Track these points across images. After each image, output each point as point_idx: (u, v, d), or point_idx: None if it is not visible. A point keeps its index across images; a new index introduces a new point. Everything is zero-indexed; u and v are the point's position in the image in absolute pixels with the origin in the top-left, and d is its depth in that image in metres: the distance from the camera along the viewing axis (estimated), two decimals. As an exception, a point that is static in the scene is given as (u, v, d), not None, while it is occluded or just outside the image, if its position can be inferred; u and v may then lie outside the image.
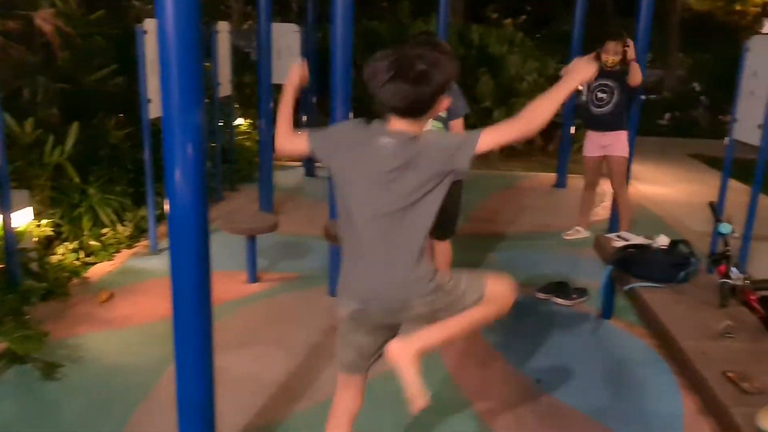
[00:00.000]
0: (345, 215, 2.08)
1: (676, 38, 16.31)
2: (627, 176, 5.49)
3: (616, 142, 5.28)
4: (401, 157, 1.94)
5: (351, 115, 4.12)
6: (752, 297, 3.18)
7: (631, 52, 5.03)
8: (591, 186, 5.71)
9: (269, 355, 3.54)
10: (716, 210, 3.61)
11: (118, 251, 4.97)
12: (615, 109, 5.21)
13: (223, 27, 6.43)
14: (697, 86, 14.30)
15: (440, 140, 2.14)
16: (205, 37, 7.27)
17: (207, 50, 6.44)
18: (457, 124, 3.80)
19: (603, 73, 5.17)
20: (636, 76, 5.04)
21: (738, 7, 20.01)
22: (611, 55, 5.04)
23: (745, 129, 4.40)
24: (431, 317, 2.11)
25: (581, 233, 5.70)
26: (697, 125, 13.04)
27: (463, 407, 3.11)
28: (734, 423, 2.19)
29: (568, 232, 5.73)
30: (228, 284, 4.42)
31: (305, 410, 3.04)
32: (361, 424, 2.89)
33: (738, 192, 5.33)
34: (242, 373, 3.33)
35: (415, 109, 1.96)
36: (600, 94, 5.25)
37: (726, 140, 4.71)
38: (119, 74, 5.33)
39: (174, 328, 2.29)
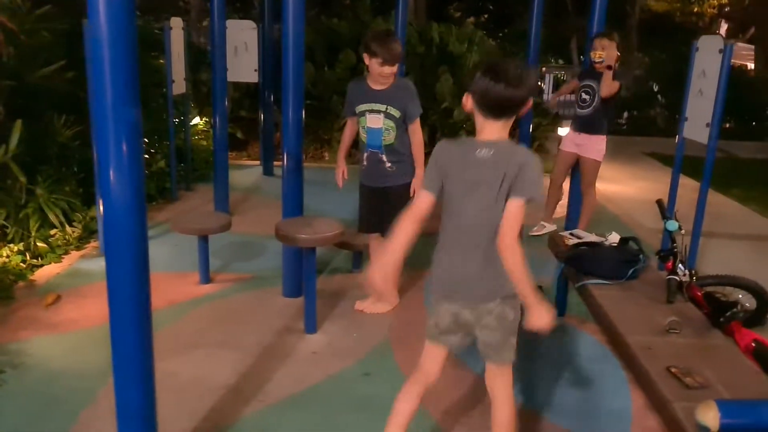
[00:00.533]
0: None
1: (635, 38, 16.59)
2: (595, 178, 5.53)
3: (588, 144, 5.32)
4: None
5: (303, 113, 4.08)
6: (698, 293, 3.24)
7: (608, 56, 5.03)
8: (556, 181, 5.74)
9: (219, 357, 3.48)
10: (663, 207, 3.65)
11: (66, 253, 4.84)
12: (593, 112, 5.25)
13: (176, 23, 6.31)
14: (655, 86, 14.55)
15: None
16: (159, 33, 7.15)
17: (161, 46, 6.32)
18: (417, 125, 3.81)
19: (589, 73, 5.26)
20: (604, 85, 5.02)
21: (695, 9, 20.43)
22: (597, 50, 5.07)
23: (694, 127, 4.48)
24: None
25: (547, 227, 5.75)
26: (654, 124, 13.28)
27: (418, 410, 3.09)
28: (676, 418, 2.21)
29: (534, 229, 5.75)
30: (179, 286, 4.34)
31: (255, 413, 2.99)
32: (318, 426, 2.87)
33: (691, 189, 5.42)
34: (191, 377, 3.26)
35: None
36: (584, 95, 5.31)
37: (677, 138, 4.79)
38: (68, 71, 5.19)
39: (111, 334, 2.22)
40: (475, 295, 2.30)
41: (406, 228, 2.26)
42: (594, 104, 5.21)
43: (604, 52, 5.02)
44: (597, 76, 5.13)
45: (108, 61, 2.00)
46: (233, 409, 3.01)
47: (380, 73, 3.68)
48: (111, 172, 2.07)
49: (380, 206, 3.84)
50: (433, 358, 2.48)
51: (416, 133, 3.83)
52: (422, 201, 2.28)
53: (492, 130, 2.21)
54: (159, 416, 2.46)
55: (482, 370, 2.56)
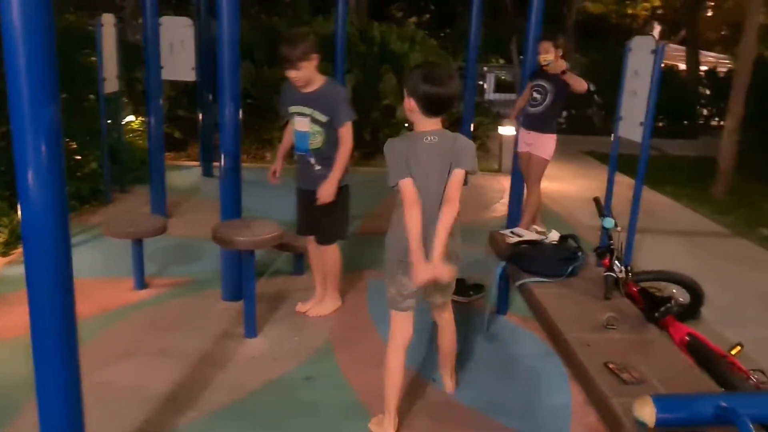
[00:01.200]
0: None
1: (572, 39, 16.96)
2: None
3: (538, 143, 5.34)
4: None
5: (240, 112, 3.99)
6: (634, 289, 3.30)
7: (557, 61, 5.11)
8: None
9: (155, 365, 3.35)
10: (600, 205, 3.71)
11: (-9, 259, 4.61)
12: (545, 111, 5.28)
13: (108, 20, 6.09)
14: (591, 86, 14.89)
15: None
16: (92, 30, 6.89)
17: (92, 43, 6.09)
18: (346, 130, 3.68)
19: (540, 73, 5.28)
20: (576, 85, 5.07)
21: (629, 11, 21.08)
22: (542, 53, 5.11)
23: (629, 126, 4.58)
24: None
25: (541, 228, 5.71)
26: (591, 123, 13.60)
27: (360, 410, 3.05)
28: (614, 413, 2.23)
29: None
30: (113, 292, 4.18)
31: (192, 422, 2.89)
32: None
33: (626, 186, 5.55)
34: (124, 387, 3.14)
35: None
36: (535, 94, 5.34)
37: (612, 137, 4.89)
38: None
39: (33, 344, 2.09)
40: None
41: (414, 216, 2.66)
42: (545, 103, 5.26)
43: (549, 55, 5.08)
44: (548, 77, 5.19)
45: (23, 58, 1.88)
46: (169, 419, 2.90)
47: (288, 76, 3.59)
48: (29, 175, 1.96)
49: (312, 209, 3.77)
50: (402, 323, 2.95)
51: (344, 138, 3.66)
52: (408, 186, 2.68)
53: (432, 124, 2.74)
54: (90, 429, 2.35)
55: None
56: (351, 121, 3.69)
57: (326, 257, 3.93)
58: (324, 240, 3.86)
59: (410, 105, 2.70)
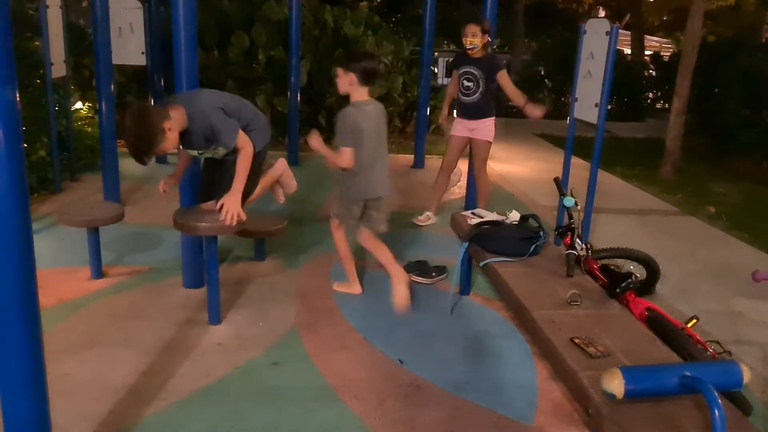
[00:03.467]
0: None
1: (521, 24, 17.16)
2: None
3: (482, 127, 5.32)
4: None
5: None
6: (594, 266, 3.38)
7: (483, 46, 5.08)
8: (448, 168, 5.68)
9: (117, 356, 3.28)
10: (560, 185, 3.78)
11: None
12: (481, 98, 5.24)
13: (53, 1, 5.86)
14: (542, 70, 15.12)
15: None
16: (36, 13, 6.64)
17: (36, 27, 5.86)
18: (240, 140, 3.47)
19: (467, 59, 5.19)
20: (514, 97, 5.15)
21: (576, -4, 21.41)
22: (468, 37, 5.03)
23: (584, 108, 4.66)
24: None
25: (432, 219, 5.73)
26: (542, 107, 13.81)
27: (326, 392, 3.05)
28: (582, 386, 2.29)
29: (420, 218, 5.71)
30: (69, 282, 4.06)
31: (157, 413, 2.84)
32: (227, 421, 2.77)
33: (580, 168, 5.68)
34: (86, 379, 3.05)
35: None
36: (466, 83, 5.25)
37: (568, 120, 4.98)
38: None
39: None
40: (385, 192, 3.91)
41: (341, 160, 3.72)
42: (480, 90, 5.21)
43: (476, 39, 5.02)
44: (475, 62, 5.15)
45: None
46: (134, 410, 2.84)
47: None
48: (-13, 160, 1.88)
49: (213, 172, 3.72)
50: (341, 237, 4.01)
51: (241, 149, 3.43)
52: (348, 153, 3.67)
53: (366, 93, 3.72)
54: (54, 422, 2.29)
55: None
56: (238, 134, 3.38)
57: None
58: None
59: (351, 79, 3.64)
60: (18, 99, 1.93)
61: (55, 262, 4.32)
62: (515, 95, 5.14)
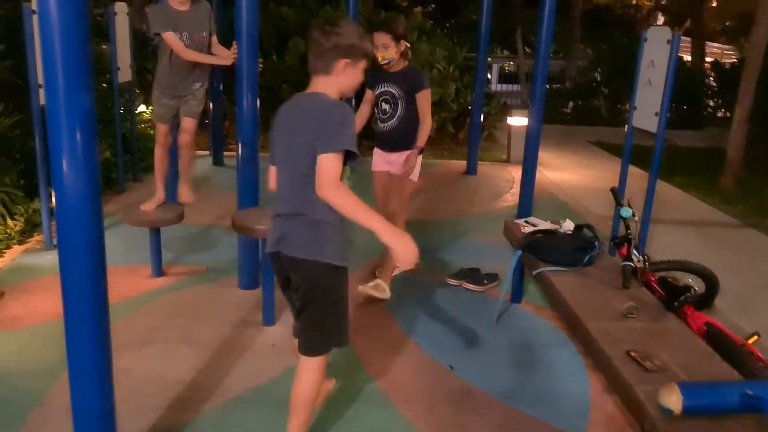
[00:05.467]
0: None
1: (578, 30, 16.90)
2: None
3: (402, 162, 4.08)
4: None
5: (258, 102, 4.00)
6: (652, 278, 3.33)
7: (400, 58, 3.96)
8: (384, 209, 4.17)
9: (175, 352, 3.39)
10: (617, 195, 3.73)
11: (8, 247, 4.63)
12: (400, 124, 4.04)
13: (121, 8, 6.09)
14: (598, 76, 14.86)
15: None
16: (104, 19, 6.89)
17: (106, 34, 6.09)
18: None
19: (383, 75, 4.04)
20: (421, 136, 4.02)
21: (633, 1, 21.01)
22: (379, 50, 3.84)
23: (643, 117, 4.58)
24: None
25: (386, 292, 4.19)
26: (597, 113, 13.58)
27: (378, 396, 3.09)
28: (638, 400, 2.26)
29: (369, 286, 4.16)
30: (131, 280, 4.21)
31: (213, 408, 2.93)
32: (279, 420, 2.83)
33: (636, 177, 5.57)
34: (146, 374, 3.17)
35: None
36: (383, 105, 4.08)
37: (626, 128, 4.90)
38: (7, 57, 4.94)
39: (66, 331, 2.13)
40: None
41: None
42: (399, 114, 4.02)
43: (389, 52, 3.88)
44: (393, 79, 4.01)
45: (59, 45, 1.91)
46: (192, 405, 2.94)
47: None
48: (64, 162, 1.98)
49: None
50: None
51: None
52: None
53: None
54: (116, 414, 2.38)
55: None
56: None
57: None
58: None
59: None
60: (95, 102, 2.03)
61: (119, 259, 4.48)
62: (423, 130, 4.01)
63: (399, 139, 4.08)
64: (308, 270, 2.34)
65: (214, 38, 4.49)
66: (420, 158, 4.07)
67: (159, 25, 4.02)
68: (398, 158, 4.10)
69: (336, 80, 2.33)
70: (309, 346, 2.49)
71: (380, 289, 4.09)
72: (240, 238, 3.97)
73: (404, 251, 2.17)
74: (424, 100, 3.98)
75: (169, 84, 4.36)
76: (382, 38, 3.86)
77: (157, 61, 4.49)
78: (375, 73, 4.05)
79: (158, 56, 4.34)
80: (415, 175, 4.11)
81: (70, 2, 1.89)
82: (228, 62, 4.17)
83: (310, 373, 2.50)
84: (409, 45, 4.01)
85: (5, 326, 3.57)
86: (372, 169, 4.31)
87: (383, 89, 4.05)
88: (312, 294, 2.39)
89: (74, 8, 1.91)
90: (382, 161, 4.26)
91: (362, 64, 2.38)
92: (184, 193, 4.67)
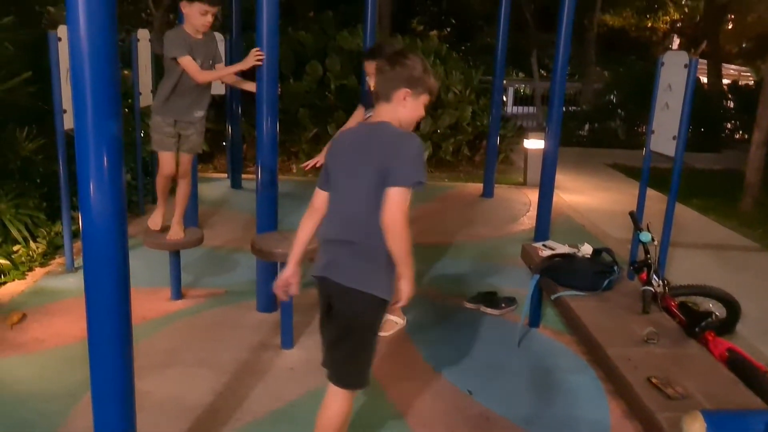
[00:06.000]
0: None
1: (593, 53, 16.96)
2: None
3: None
4: None
5: (277, 126, 4.05)
6: (672, 303, 3.30)
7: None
8: None
9: (194, 375, 3.40)
10: (636, 219, 3.72)
11: (30, 270, 4.69)
12: None
13: (143, 35, 6.21)
14: (613, 98, 14.87)
15: None
16: (126, 45, 7.03)
17: (127, 59, 6.21)
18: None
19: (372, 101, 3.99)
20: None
21: (649, 24, 21.04)
22: (371, 79, 3.75)
23: (661, 140, 4.57)
24: None
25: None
26: (614, 136, 13.57)
27: (396, 421, 3.08)
28: (660, 428, 2.24)
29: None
30: (150, 302, 4.24)
31: (235, 431, 2.93)
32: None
33: (654, 199, 5.55)
34: (165, 397, 3.18)
35: None
36: None
37: (644, 151, 4.89)
38: (32, 83, 5.05)
39: (90, 353, 2.16)
40: None
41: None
42: None
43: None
44: None
45: (89, 73, 1.95)
46: (211, 428, 2.95)
47: None
48: (91, 186, 2.02)
49: None
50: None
51: None
52: None
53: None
54: (137, 438, 2.40)
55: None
56: None
57: None
58: None
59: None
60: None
61: (139, 281, 4.48)
62: None
63: None
64: (354, 300, 2.30)
65: (221, 65, 4.44)
66: None
67: (177, 49, 4.01)
68: None
69: (395, 109, 2.33)
70: (342, 378, 2.43)
71: (390, 325, 4.05)
72: (259, 261, 4.00)
73: (409, 292, 2.28)
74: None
75: (171, 108, 4.22)
76: (371, 67, 3.77)
77: (158, 86, 4.32)
78: (370, 96, 3.93)
79: (162, 81, 4.21)
80: None
81: (100, 32, 1.95)
82: (245, 66, 4.01)
83: (339, 402, 2.45)
84: None
85: (27, 348, 3.61)
86: None
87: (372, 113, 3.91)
88: (352, 326, 2.36)
89: (103, 38, 1.96)
90: None
91: (424, 98, 2.36)
92: (175, 231, 4.31)
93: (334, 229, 2.38)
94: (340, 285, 2.30)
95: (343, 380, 2.42)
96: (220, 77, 4.35)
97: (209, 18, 4.02)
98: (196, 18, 4.01)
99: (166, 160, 4.30)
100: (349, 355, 2.39)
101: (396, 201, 2.16)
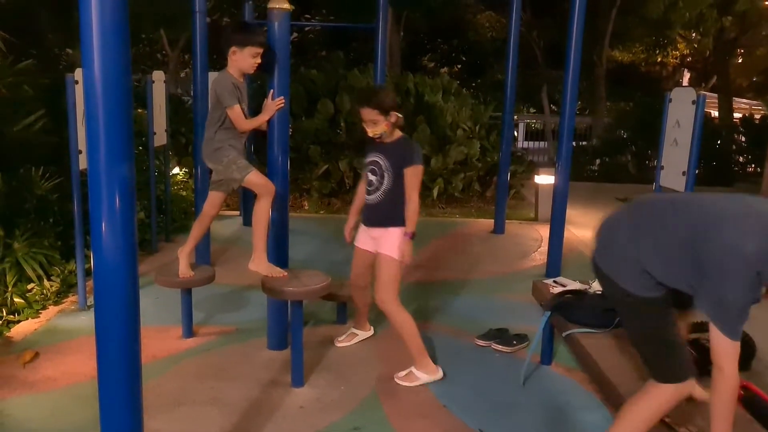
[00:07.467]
0: None
1: (603, 88, 17.07)
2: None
3: (386, 238, 3.83)
4: None
5: (288, 163, 4.11)
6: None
7: (391, 130, 3.78)
8: (356, 283, 4.21)
9: (204, 414, 3.39)
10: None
11: (44, 308, 4.73)
12: (385, 198, 3.80)
13: (158, 77, 6.35)
14: (624, 133, 14.92)
15: None
16: (141, 86, 7.19)
17: (142, 99, 6.34)
18: None
19: (376, 146, 3.87)
20: (408, 214, 3.79)
21: (659, 59, 21.20)
22: (368, 126, 3.73)
23: (670, 176, 4.58)
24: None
25: (359, 335, 4.42)
26: (624, 170, 13.58)
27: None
28: (674, 468, 2.21)
29: (341, 338, 4.37)
30: (162, 340, 4.26)
31: (242, 472, 2.92)
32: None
33: (666, 235, 5.51)
34: (176, 436, 3.18)
35: None
36: (370, 176, 3.89)
37: (654, 186, 4.89)
38: (49, 124, 5.18)
39: (99, 392, 2.16)
40: None
41: None
42: (384, 186, 3.79)
43: (378, 127, 3.71)
44: (381, 149, 3.83)
45: (102, 115, 2.00)
46: (220, 468, 2.93)
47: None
48: (103, 227, 2.05)
49: None
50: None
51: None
52: None
53: None
54: (146, 479, 2.39)
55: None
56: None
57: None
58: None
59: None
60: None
61: (150, 319, 4.53)
62: (410, 210, 3.74)
63: (383, 215, 3.84)
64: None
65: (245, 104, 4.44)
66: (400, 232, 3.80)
67: (230, 99, 3.83)
68: (381, 233, 3.85)
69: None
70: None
71: (351, 336, 4.41)
72: (269, 299, 4.01)
73: None
74: (412, 176, 3.72)
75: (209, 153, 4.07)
76: (369, 114, 3.70)
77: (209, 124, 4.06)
78: (369, 144, 3.94)
79: (215, 121, 3.94)
80: (406, 257, 3.80)
81: (114, 77, 2.00)
82: (270, 115, 3.95)
83: (648, 399, 2.54)
84: (400, 115, 3.78)
85: (39, 387, 3.62)
86: (355, 245, 4.13)
87: (371, 159, 3.87)
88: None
89: (118, 78, 2.01)
90: (366, 237, 4.02)
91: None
92: (184, 268, 4.20)
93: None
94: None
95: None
96: (259, 125, 4.06)
97: (258, 60, 3.87)
98: (246, 61, 3.85)
99: (220, 200, 4.34)
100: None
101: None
